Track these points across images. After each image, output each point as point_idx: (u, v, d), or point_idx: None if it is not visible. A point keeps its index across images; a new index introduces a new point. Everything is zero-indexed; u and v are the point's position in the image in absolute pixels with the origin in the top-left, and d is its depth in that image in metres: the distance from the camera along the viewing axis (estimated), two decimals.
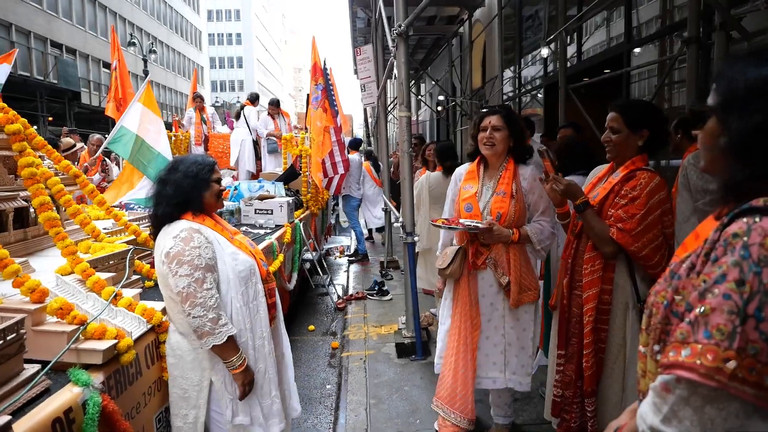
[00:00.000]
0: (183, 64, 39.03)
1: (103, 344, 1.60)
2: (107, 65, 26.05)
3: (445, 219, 2.55)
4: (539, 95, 9.30)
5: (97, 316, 1.70)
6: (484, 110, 2.52)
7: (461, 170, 2.62)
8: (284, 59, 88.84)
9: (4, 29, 19.08)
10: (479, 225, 2.33)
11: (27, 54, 19.66)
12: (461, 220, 2.41)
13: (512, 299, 2.36)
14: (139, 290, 2.07)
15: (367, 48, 8.51)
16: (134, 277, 2.44)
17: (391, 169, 8.84)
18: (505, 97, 9.40)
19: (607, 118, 1.93)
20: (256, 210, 4.89)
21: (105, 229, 3.15)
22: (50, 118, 19.75)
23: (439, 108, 14.19)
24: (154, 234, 1.92)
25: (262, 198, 4.97)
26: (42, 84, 19.81)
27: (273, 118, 7.84)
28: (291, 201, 5.07)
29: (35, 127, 19.43)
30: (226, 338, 1.76)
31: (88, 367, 1.58)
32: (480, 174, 2.49)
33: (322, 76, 6.08)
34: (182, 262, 1.73)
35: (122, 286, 2.12)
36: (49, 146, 2.61)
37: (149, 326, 1.87)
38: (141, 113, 3.84)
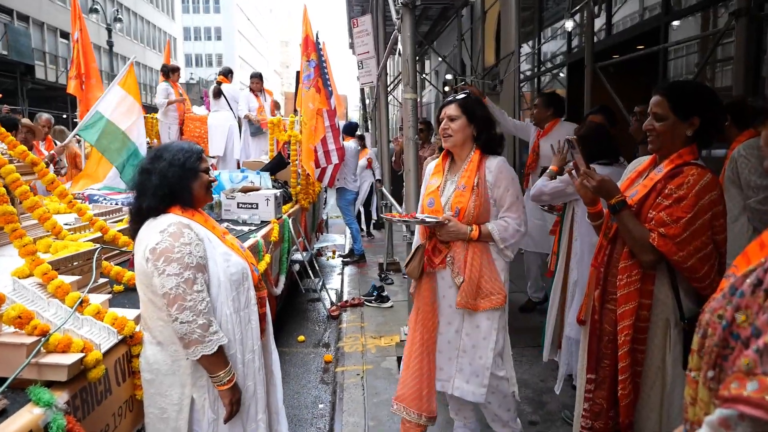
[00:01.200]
0: (153, 35, 38.87)
1: (69, 358, 1.58)
2: (66, 35, 25.91)
3: (400, 213, 2.65)
4: (561, 74, 9.29)
5: (61, 326, 1.69)
6: (445, 101, 2.70)
7: (431, 165, 2.78)
8: (269, 31, 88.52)
9: None
10: (436, 219, 2.46)
11: None
12: (417, 214, 2.57)
13: (460, 299, 2.46)
14: (108, 296, 2.05)
15: (366, 19, 8.47)
16: (101, 280, 2.43)
17: (392, 158, 8.83)
18: (521, 76, 9.37)
19: (651, 102, 1.90)
20: (239, 204, 4.87)
21: (67, 224, 3.13)
22: None
23: (446, 88, 14.15)
24: (134, 230, 1.90)
25: (245, 190, 4.95)
26: None
27: (255, 95, 7.78)
28: (279, 194, 5.05)
29: None
30: (216, 348, 1.76)
31: (50, 384, 1.57)
32: (445, 168, 2.65)
33: (314, 51, 6.05)
34: (171, 259, 1.73)
35: (89, 291, 2.11)
36: (2, 129, 2.60)
37: (120, 337, 1.86)
38: (119, 99, 3.85)
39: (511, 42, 9.42)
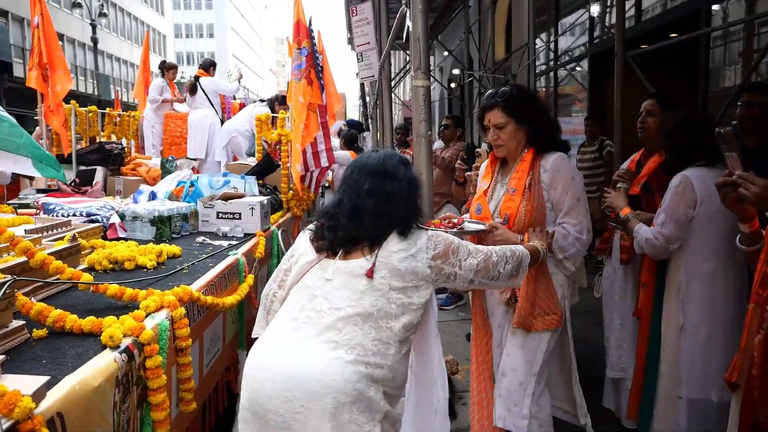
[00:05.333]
0: (141, 32, 38.42)
1: None
2: None
3: (443, 220, 2.49)
4: (579, 68, 8.79)
5: None
6: (484, 102, 2.43)
7: (483, 165, 2.66)
8: (264, 28, 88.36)
9: None
10: (479, 227, 2.33)
11: None
12: (464, 223, 2.41)
13: (517, 317, 2.30)
14: (1, 357, 1.49)
15: (365, 6, 7.96)
16: (15, 323, 1.87)
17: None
18: (537, 70, 8.87)
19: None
20: (218, 213, 4.31)
21: None
22: None
23: (452, 85, 13.69)
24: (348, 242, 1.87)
25: (226, 197, 4.39)
26: None
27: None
28: (266, 201, 4.51)
29: None
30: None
31: None
32: (495, 169, 2.52)
33: (307, 37, 5.52)
34: (456, 248, 1.88)
35: None
36: None
37: (7, 424, 1.29)
38: None
39: (523, 34, 8.92)
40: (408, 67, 11.42)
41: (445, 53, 13.26)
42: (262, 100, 8.19)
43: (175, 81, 8.38)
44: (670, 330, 2.47)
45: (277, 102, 7.25)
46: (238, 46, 67.10)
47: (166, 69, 7.82)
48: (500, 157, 2.49)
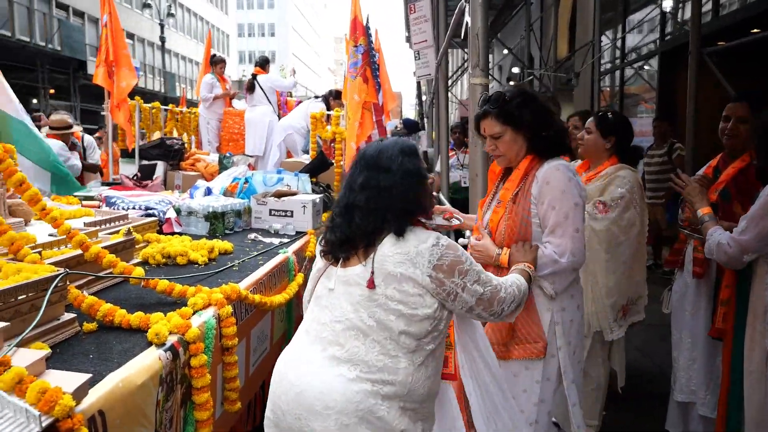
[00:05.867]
0: (206, 31, 39.68)
1: None
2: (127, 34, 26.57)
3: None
4: (647, 67, 8.39)
5: None
6: (476, 111, 2.23)
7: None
8: (323, 27, 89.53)
9: None
10: (445, 224, 2.32)
11: (27, 16, 20.15)
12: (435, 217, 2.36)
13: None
14: (45, 353, 1.49)
15: (424, 4, 7.86)
16: (66, 316, 1.89)
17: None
18: (601, 69, 8.52)
19: None
20: (271, 211, 4.32)
21: (51, 236, 2.65)
22: (52, 91, 20.25)
23: (511, 83, 13.38)
24: (346, 249, 1.70)
25: (279, 194, 4.39)
26: (43, 51, 20.32)
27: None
28: (318, 199, 4.48)
29: (35, 100, 20.01)
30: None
31: None
32: (499, 175, 2.36)
33: (363, 35, 5.48)
34: (464, 270, 1.66)
35: (27, 338, 1.56)
36: None
37: (47, 422, 1.28)
38: None
39: (588, 31, 8.59)
40: (465, 65, 11.28)
41: (505, 51, 12.97)
42: (316, 97, 8.22)
43: (236, 79, 8.52)
44: (754, 355, 2.19)
45: (332, 97, 7.24)
46: (298, 45, 68.26)
47: (214, 63, 7.89)
48: (504, 166, 2.27)
